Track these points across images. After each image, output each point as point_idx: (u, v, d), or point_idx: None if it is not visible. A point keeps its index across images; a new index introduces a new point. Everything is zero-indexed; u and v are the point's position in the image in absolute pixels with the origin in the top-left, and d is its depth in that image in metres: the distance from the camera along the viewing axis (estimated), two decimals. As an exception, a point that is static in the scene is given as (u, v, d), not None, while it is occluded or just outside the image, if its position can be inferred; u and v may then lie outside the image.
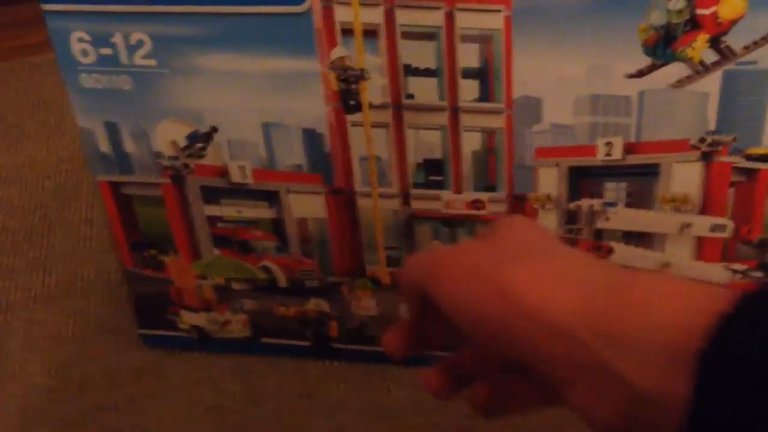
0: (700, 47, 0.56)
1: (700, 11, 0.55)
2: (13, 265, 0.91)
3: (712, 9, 0.55)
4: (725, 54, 0.56)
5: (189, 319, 0.76)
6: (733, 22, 0.55)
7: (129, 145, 0.67)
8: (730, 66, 0.56)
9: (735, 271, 0.64)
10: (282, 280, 0.72)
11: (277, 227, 0.69)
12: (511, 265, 0.37)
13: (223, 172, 0.67)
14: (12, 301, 0.86)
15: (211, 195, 0.68)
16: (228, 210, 0.69)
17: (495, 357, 0.41)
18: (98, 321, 0.83)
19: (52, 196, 1.00)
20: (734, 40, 0.55)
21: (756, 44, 0.55)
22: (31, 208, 0.99)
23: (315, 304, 0.73)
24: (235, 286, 0.73)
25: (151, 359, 0.78)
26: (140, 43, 0.62)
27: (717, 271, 0.64)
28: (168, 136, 0.66)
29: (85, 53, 0.63)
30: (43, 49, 1.35)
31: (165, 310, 0.76)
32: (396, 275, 0.43)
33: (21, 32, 1.41)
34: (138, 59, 0.62)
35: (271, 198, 0.68)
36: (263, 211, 0.69)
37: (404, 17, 0.58)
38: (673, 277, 0.34)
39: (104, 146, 0.67)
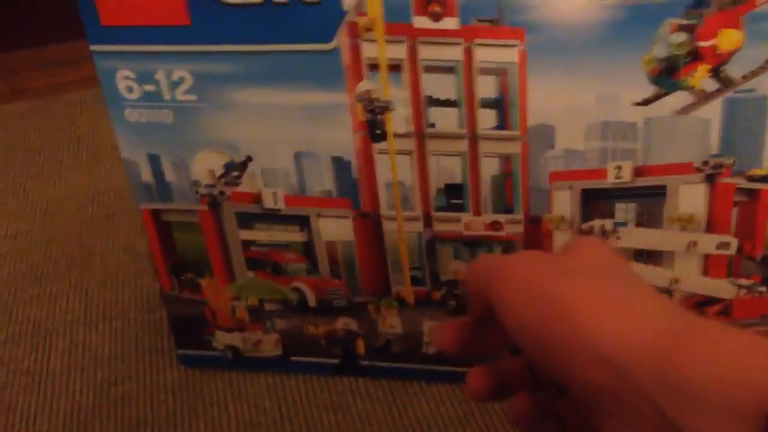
0: (701, 77, 0.60)
1: (700, 43, 0.59)
2: (56, 291, 0.95)
3: (712, 41, 0.59)
4: (725, 83, 0.60)
5: (223, 338, 0.80)
6: (732, 54, 0.59)
7: (169, 175, 0.71)
8: (729, 94, 0.60)
9: (740, 287, 0.68)
10: (312, 301, 0.76)
11: (307, 250, 0.74)
12: (571, 282, 0.35)
13: (256, 199, 0.71)
14: (56, 325, 0.90)
15: (245, 220, 0.73)
16: (261, 234, 0.74)
17: (542, 371, 0.39)
18: (137, 342, 0.87)
19: (91, 226, 1.06)
20: (733, 70, 0.59)
21: (753, 73, 0.59)
22: (72, 237, 1.04)
23: (343, 323, 0.77)
24: (268, 306, 0.77)
25: (188, 377, 0.82)
26: (181, 80, 0.66)
27: (723, 287, 0.68)
28: (206, 165, 0.70)
29: (130, 90, 0.68)
30: (76, 87, 1.41)
31: (201, 331, 0.80)
32: (463, 276, 0.42)
33: (55, 71, 1.48)
34: (179, 95, 0.67)
35: (302, 222, 0.72)
36: (294, 235, 0.73)
37: (426, 52, 0.63)
38: (739, 329, 0.32)
39: (146, 176, 0.72)
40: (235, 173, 0.70)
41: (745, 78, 0.60)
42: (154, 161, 0.71)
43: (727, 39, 0.59)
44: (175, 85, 0.67)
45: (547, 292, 0.35)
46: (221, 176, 0.70)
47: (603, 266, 0.38)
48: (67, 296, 0.94)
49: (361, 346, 0.78)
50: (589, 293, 0.35)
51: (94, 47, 0.66)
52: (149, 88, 0.67)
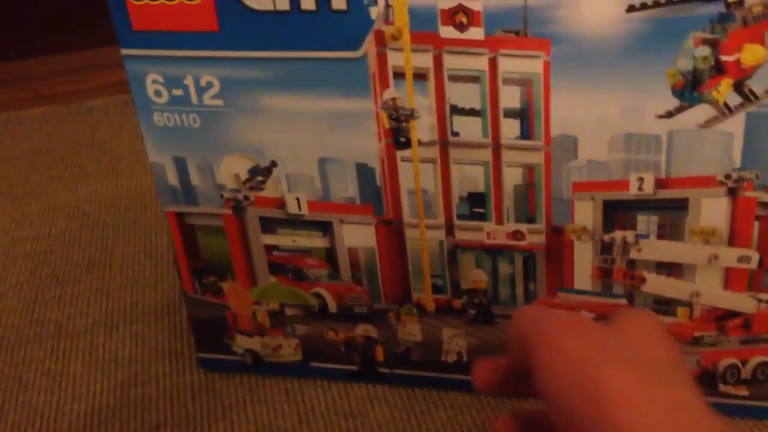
0: (724, 91, 0.61)
1: (724, 58, 0.60)
2: (76, 293, 0.96)
3: (736, 56, 0.59)
4: (748, 97, 0.61)
5: (243, 343, 0.81)
6: (755, 68, 0.59)
7: (195, 179, 0.72)
8: (753, 108, 0.61)
9: (761, 301, 0.68)
10: (332, 306, 0.76)
11: (329, 256, 0.74)
12: (615, 371, 0.35)
13: (280, 204, 0.72)
14: (76, 327, 0.91)
15: (268, 225, 0.74)
16: (284, 239, 0.74)
17: None
18: (156, 345, 0.88)
19: (111, 230, 1.07)
20: (756, 85, 0.60)
21: (777, 88, 0.60)
22: (93, 240, 1.05)
23: (363, 330, 0.77)
24: (289, 311, 0.78)
25: (208, 381, 0.83)
26: (209, 85, 0.68)
27: (743, 301, 0.68)
28: (231, 169, 0.71)
29: (158, 94, 0.69)
30: (98, 94, 1.43)
31: (221, 335, 0.81)
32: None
33: (78, 78, 1.50)
34: (207, 99, 0.68)
35: (325, 228, 0.73)
36: (317, 241, 0.74)
37: (451, 62, 0.64)
38: None
39: (172, 179, 0.73)
40: (259, 178, 0.71)
41: (768, 92, 0.60)
42: (181, 165, 0.72)
43: (751, 54, 0.59)
44: (202, 90, 0.68)
45: (589, 377, 0.35)
46: (246, 181, 0.71)
47: (651, 353, 0.37)
48: (88, 299, 0.95)
49: (380, 353, 0.78)
50: (631, 384, 0.34)
51: (125, 51, 0.67)
52: (177, 92, 0.68)
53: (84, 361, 0.87)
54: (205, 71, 0.67)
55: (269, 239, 0.74)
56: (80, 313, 0.93)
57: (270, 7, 0.63)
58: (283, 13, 0.63)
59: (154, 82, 0.68)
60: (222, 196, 0.72)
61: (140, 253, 1.02)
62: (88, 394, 0.82)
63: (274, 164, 0.70)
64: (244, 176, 0.71)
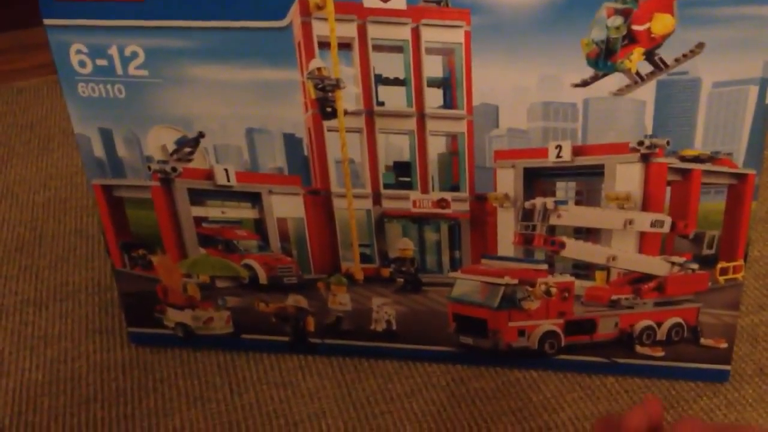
0: (636, 59, 0.63)
1: (635, 27, 0.62)
2: (5, 272, 0.95)
3: (646, 25, 0.62)
4: (659, 65, 0.63)
5: (174, 316, 0.81)
6: (665, 37, 0.62)
7: (122, 150, 0.72)
8: (663, 76, 0.63)
9: (674, 264, 0.71)
10: (263, 278, 0.77)
11: (259, 227, 0.75)
12: None
13: (209, 175, 0.72)
14: (5, 305, 0.90)
15: (197, 197, 0.74)
16: (213, 211, 0.75)
17: None
18: (86, 323, 0.87)
19: (41, 210, 1.05)
20: (666, 53, 0.63)
21: (685, 56, 0.62)
22: (22, 221, 1.04)
23: (294, 300, 0.78)
24: (219, 283, 0.79)
25: (138, 356, 0.83)
26: (134, 55, 0.67)
27: (658, 264, 0.71)
28: (158, 141, 0.71)
29: (83, 64, 0.68)
30: (29, 74, 1.41)
31: (152, 309, 0.81)
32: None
33: (8, 58, 1.47)
34: (132, 70, 0.68)
35: (254, 199, 0.73)
36: (246, 212, 0.74)
37: (375, 32, 0.65)
38: None
39: (98, 151, 0.72)
40: (187, 149, 0.71)
41: (677, 61, 0.62)
42: (106, 136, 0.71)
43: (661, 23, 0.62)
44: (127, 59, 0.68)
45: None
46: (173, 152, 0.71)
47: None
48: (17, 278, 0.94)
49: (311, 324, 0.79)
50: None
51: (47, 21, 0.67)
52: (102, 62, 0.68)
53: (13, 339, 0.86)
54: (130, 41, 0.67)
55: (198, 211, 0.75)
56: (9, 291, 0.92)
57: (194, -24, 0.63)
58: (208, -17, 0.63)
59: (78, 52, 0.68)
60: (149, 167, 0.72)
61: (71, 232, 1.01)
62: (16, 371, 0.82)
63: (201, 135, 0.70)
64: (171, 148, 0.71)
